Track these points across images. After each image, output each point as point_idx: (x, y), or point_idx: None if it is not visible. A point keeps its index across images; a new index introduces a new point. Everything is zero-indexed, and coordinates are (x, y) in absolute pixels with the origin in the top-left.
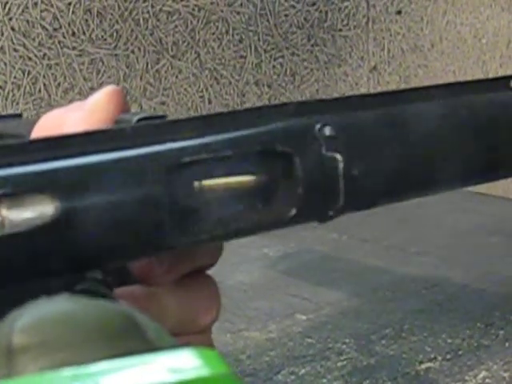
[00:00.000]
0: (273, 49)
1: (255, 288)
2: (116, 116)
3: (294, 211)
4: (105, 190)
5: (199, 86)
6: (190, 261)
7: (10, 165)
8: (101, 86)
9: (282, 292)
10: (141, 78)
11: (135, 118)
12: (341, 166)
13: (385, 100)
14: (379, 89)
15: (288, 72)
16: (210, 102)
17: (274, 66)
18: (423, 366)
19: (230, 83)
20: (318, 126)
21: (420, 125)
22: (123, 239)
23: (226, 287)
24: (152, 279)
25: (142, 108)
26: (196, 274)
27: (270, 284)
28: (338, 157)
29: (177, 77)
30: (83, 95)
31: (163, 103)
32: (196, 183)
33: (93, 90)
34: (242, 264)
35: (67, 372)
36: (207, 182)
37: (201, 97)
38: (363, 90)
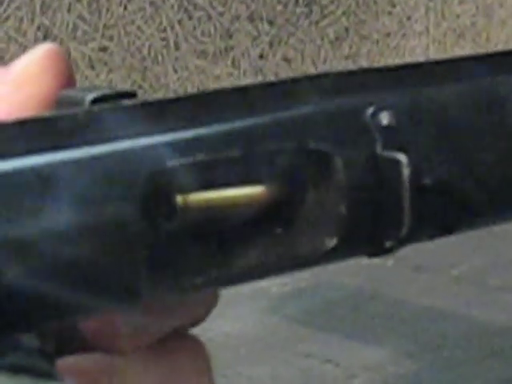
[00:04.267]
0: None
1: (250, 344)
2: (56, 92)
3: (333, 241)
4: (42, 213)
5: (160, 23)
6: (170, 317)
7: None
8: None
9: (290, 350)
10: (68, 10)
11: (89, 98)
12: (406, 171)
13: (473, 68)
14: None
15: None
16: (177, 48)
17: None
18: None
19: (210, 17)
20: (370, 111)
21: None
22: (72, 287)
23: (207, 342)
24: (114, 345)
25: (70, 58)
26: (177, 335)
27: (271, 338)
28: (402, 158)
29: (125, 8)
30: None
31: (103, 49)
32: (182, 197)
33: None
34: (231, 305)
35: None
36: (198, 197)
37: (163, 39)
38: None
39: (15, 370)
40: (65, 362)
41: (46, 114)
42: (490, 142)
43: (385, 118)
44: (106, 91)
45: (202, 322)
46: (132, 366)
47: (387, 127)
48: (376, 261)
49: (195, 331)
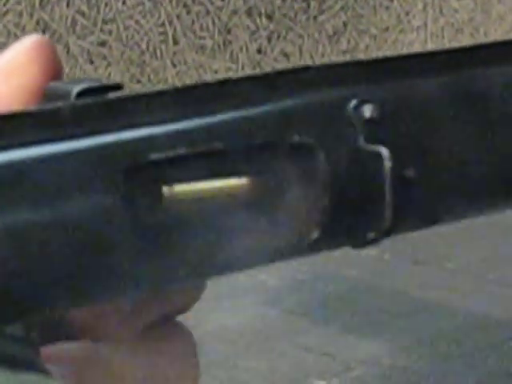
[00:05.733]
0: None
1: (247, 337)
2: (44, 84)
3: (316, 232)
4: (30, 203)
5: (159, 17)
6: (158, 304)
7: None
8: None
9: (288, 343)
10: (67, 5)
11: (75, 90)
12: (387, 164)
13: (455, 60)
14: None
15: None
16: (175, 43)
17: None
18: None
19: (208, 12)
20: (352, 104)
21: (510, 99)
22: (58, 277)
23: (203, 335)
24: (101, 333)
25: (68, 52)
26: (164, 322)
27: (269, 330)
28: (384, 151)
29: (124, 2)
30: None
31: (102, 44)
32: (166, 190)
33: None
34: (229, 298)
35: None
36: (183, 188)
37: (161, 34)
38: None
39: None
40: (49, 351)
41: (31, 108)
42: (473, 134)
43: (367, 111)
44: (92, 84)
45: (189, 309)
46: (118, 353)
47: (370, 120)
48: (374, 254)
49: (193, 323)
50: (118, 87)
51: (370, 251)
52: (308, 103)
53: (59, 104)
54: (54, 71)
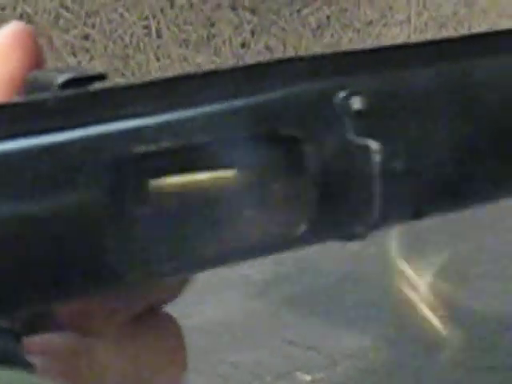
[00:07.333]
0: None
1: (233, 330)
2: (26, 72)
3: (303, 226)
4: (14, 195)
5: (142, 11)
6: (143, 296)
7: None
8: None
9: (274, 336)
10: None
11: (59, 80)
12: (376, 158)
13: (444, 52)
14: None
15: None
16: (159, 36)
17: None
18: None
19: (192, 6)
20: (341, 95)
21: (499, 90)
22: (43, 271)
23: (189, 328)
24: (86, 324)
25: (52, 46)
26: (150, 313)
27: (255, 324)
28: (372, 144)
29: None
30: None
31: (85, 37)
32: (153, 183)
33: None
34: (214, 292)
35: None
36: (169, 181)
37: (145, 27)
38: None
39: None
40: (33, 342)
41: (15, 99)
42: (463, 127)
43: (356, 103)
44: (76, 74)
45: (175, 298)
46: (103, 344)
47: (358, 112)
48: (359, 248)
49: (179, 315)
50: (101, 77)
51: (354, 245)
52: (296, 95)
53: (44, 95)
54: (35, 59)
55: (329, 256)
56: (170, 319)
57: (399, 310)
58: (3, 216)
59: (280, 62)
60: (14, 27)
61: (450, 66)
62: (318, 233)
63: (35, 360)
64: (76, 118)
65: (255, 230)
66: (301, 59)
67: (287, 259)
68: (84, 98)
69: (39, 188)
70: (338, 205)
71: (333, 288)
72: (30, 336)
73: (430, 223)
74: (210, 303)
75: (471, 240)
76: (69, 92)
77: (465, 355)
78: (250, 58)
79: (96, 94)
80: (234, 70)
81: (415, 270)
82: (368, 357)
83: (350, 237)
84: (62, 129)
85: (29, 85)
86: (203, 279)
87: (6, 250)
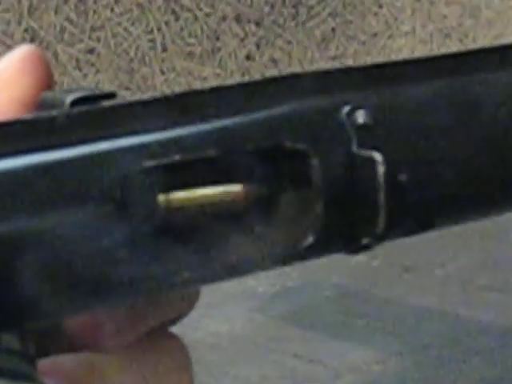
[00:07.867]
0: None
1: (237, 344)
2: (37, 94)
3: (310, 238)
4: (24, 212)
5: (147, 24)
6: (154, 313)
7: None
8: None
9: (278, 350)
10: (55, 13)
11: (69, 99)
12: (381, 170)
13: (447, 66)
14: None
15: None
16: (164, 49)
17: None
18: None
19: (197, 19)
20: (345, 110)
21: (501, 104)
22: (53, 286)
23: (194, 342)
24: (97, 343)
25: (57, 60)
26: (158, 334)
27: (259, 337)
28: (377, 156)
29: (112, 10)
30: None
31: (90, 51)
32: (162, 198)
33: None
34: (218, 305)
35: None
36: (178, 196)
37: (150, 41)
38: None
39: None
40: (45, 364)
41: (25, 116)
42: (466, 139)
43: (360, 117)
44: (86, 93)
45: (184, 318)
46: (113, 364)
47: (363, 126)
48: (363, 260)
49: (182, 330)
50: (111, 95)
51: (359, 258)
52: (301, 110)
53: (54, 112)
54: (46, 82)
55: (333, 269)
56: (176, 340)
57: (403, 323)
58: (13, 231)
59: (286, 78)
60: (23, 51)
61: (451, 80)
62: (324, 245)
63: (49, 382)
64: (85, 134)
65: (262, 243)
66: (305, 75)
67: (291, 272)
68: (93, 113)
69: (49, 203)
70: (344, 217)
71: (336, 301)
72: (43, 358)
73: (434, 235)
74: (214, 317)
75: (476, 251)
76: (78, 109)
77: (470, 367)
78: (255, 71)
79: (105, 109)
80: (241, 86)
81: (419, 281)
82: (372, 370)
83: (357, 249)
84: (71, 144)
85: (40, 105)
86: (207, 293)
87: (19, 264)
